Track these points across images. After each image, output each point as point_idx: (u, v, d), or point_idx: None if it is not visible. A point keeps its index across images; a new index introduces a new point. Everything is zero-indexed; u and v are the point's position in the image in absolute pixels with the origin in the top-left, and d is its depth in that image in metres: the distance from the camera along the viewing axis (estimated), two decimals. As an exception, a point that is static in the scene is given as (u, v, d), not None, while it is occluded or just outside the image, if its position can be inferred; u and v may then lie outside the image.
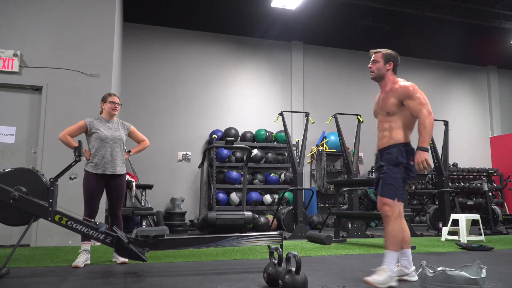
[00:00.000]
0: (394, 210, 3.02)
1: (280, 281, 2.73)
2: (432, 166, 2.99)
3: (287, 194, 8.88)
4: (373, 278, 2.86)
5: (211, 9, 8.82)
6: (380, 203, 3.08)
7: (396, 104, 3.14)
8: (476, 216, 6.63)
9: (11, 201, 3.35)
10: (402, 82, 3.21)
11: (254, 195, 8.96)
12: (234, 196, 8.77)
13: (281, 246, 3.67)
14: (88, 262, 4.05)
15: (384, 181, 3.08)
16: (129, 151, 4.43)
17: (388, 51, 3.32)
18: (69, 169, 3.67)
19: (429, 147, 3.01)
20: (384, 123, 3.24)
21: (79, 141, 3.77)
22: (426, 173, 2.98)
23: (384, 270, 2.92)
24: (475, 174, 11.22)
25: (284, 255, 2.96)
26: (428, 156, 3.02)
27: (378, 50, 3.34)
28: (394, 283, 2.92)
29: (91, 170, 4.11)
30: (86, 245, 4.06)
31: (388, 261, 2.96)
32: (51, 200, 3.47)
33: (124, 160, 4.32)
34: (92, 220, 3.85)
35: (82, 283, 3.15)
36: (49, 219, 3.46)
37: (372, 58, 3.33)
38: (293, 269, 2.72)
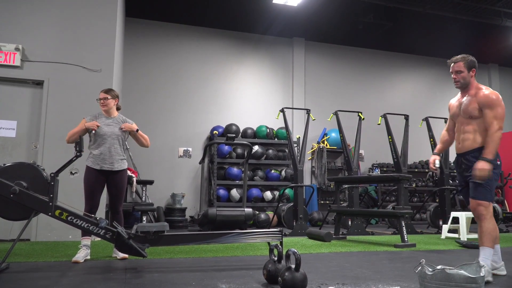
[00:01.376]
0: (489, 210, 3.17)
1: (279, 278, 2.73)
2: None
3: (287, 191, 8.88)
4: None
5: (213, 4, 8.80)
6: (474, 204, 3.20)
7: (478, 109, 3.27)
8: (476, 214, 6.62)
9: (11, 195, 3.35)
10: (486, 90, 3.29)
11: (255, 192, 8.97)
12: (234, 193, 8.77)
13: (281, 243, 3.67)
14: (88, 257, 4.06)
15: (477, 184, 3.19)
16: (137, 130, 4.35)
17: (468, 57, 3.39)
18: (69, 164, 3.67)
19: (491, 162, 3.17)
20: (466, 126, 3.35)
21: (80, 137, 3.77)
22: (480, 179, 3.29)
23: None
24: (475, 172, 11.18)
25: (284, 252, 2.96)
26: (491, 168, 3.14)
27: (458, 58, 3.40)
28: (490, 278, 3.04)
29: (90, 165, 4.13)
30: (86, 240, 4.07)
31: (485, 257, 3.11)
32: (51, 195, 3.47)
33: (124, 156, 4.32)
34: (93, 215, 3.86)
35: (82, 278, 3.16)
36: (50, 214, 3.46)
37: (455, 69, 3.39)
38: (293, 266, 2.73)
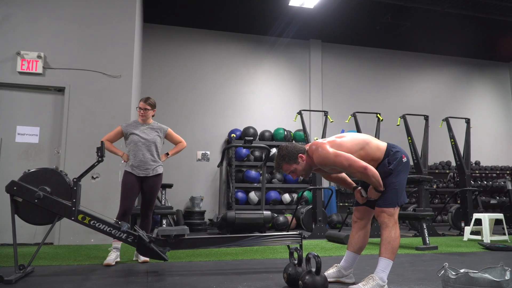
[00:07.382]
0: (393, 218, 2.85)
1: (300, 281, 2.73)
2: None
3: (306, 193, 8.86)
4: (357, 287, 2.72)
5: (229, 8, 8.85)
6: (378, 211, 2.89)
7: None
8: (500, 215, 6.51)
9: (36, 200, 3.42)
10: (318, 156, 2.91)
11: (273, 194, 8.97)
12: (253, 195, 8.79)
13: (301, 246, 3.67)
14: (118, 259, 4.13)
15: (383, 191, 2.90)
16: (167, 154, 4.52)
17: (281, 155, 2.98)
18: (92, 169, 3.73)
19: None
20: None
21: (102, 142, 3.84)
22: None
23: (373, 278, 2.75)
24: (498, 172, 10.99)
25: (304, 255, 2.96)
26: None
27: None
28: None
29: (129, 170, 4.26)
30: (117, 243, 4.14)
31: (380, 269, 2.77)
32: (74, 200, 3.53)
33: (159, 161, 4.38)
34: (114, 219, 3.91)
35: (105, 281, 3.21)
36: (73, 218, 3.52)
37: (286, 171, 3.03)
38: (313, 269, 2.72)
